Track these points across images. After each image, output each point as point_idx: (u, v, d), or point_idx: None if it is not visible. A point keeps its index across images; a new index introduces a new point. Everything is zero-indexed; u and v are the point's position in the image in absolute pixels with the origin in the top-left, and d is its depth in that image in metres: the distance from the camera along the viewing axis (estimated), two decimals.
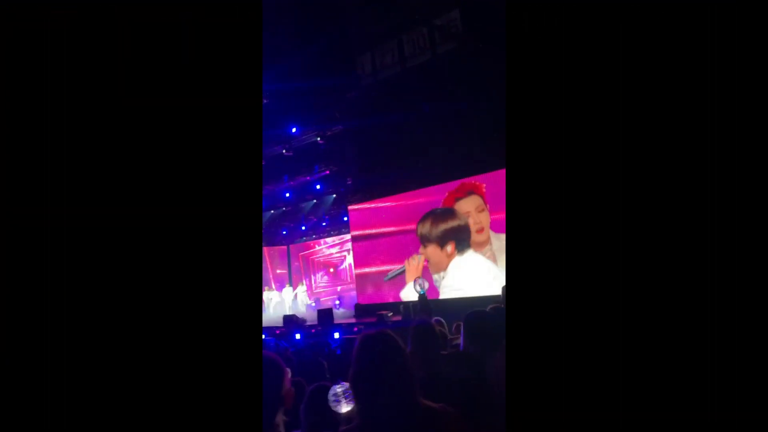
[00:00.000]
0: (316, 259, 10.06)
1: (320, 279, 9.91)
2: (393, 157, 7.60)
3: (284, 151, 8.74)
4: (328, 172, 9.14)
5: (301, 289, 9.91)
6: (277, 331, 6.12)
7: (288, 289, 9.92)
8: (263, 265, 9.99)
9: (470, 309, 1.90)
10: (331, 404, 1.69)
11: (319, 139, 8.61)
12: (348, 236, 9.01)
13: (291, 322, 6.62)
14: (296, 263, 10.32)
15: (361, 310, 7.59)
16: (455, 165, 6.96)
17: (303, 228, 10.09)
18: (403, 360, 1.10)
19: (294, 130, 8.67)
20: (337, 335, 5.11)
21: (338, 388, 1.72)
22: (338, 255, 9.72)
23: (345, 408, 1.64)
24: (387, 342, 1.12)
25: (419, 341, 1.89)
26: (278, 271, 10.03)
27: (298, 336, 5.28)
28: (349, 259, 9.10)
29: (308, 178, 9.29)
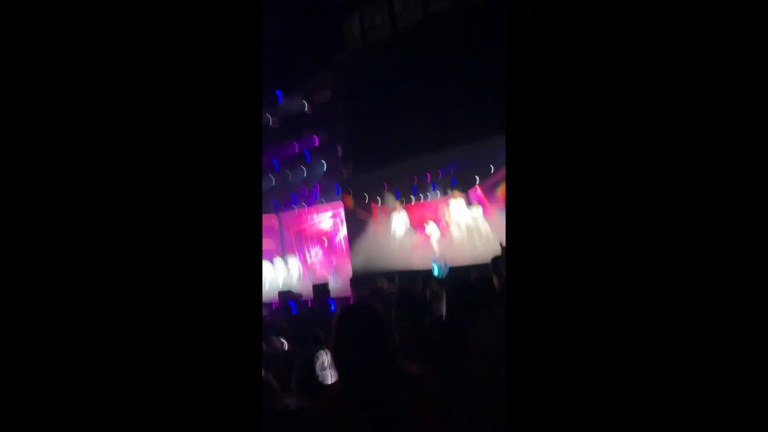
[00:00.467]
0: (309, 232, 10.11)
1: (314, 253, 10.00)
2: (385, 124, 7.53)
3: (270, 119, 8.60)
4: (317, 140, 9.05)
5: (294, 262, 10.01)
6: (274, 306, 6.26)
7: (279, 262, 10.03)
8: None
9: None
10: (319, 374, 1.80)
11: (306, 106, 8.46)
12: (340, 204, 9.05)
13: (286, 296, 6.76)
14: (287, 237, 10.36)
15: (356, 281, 7.75)
16: (451, 129, 6.92)
17: (293, 199, 10.09)
18: (383, 326, 1.17)
19: (279, 97, 8.50)
20: (333, 308, 5.25)
21: (325, 358, 1.81)
22: (331, 226, 9.77)
23: (331, 377, 1.75)
24: (366, 311, 1.20)
25: (404, 310, 1.99)
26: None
27: (293, 310, 5.43)
28: (343, 229, 9.17)
29: (296, 147, 9.20)
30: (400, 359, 1.21)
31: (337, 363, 1.18)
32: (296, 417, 1.26)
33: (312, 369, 1.88)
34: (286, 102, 8.55)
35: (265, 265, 9.88)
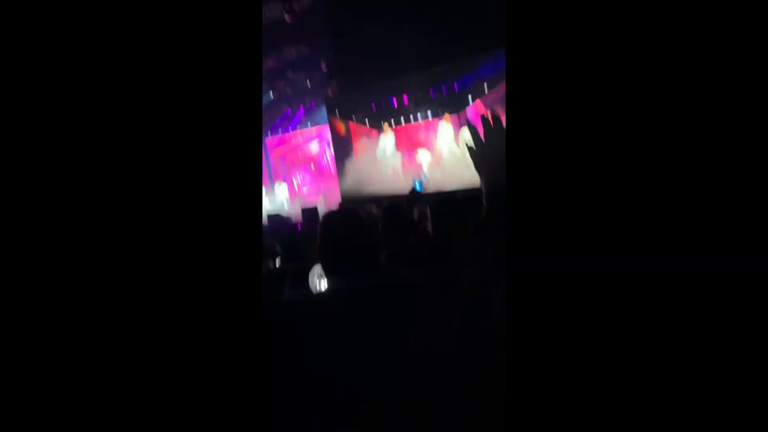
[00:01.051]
0: (294, 157, 10.02)
1: (302, 179, 10.00)
2: (373, 36, 7.14)
3: None
4: (299, 54, 8.62)
5: (281, 187, 10.04)
6: (264, 229, 6.40)
7: (267, 189, 10.05)
8: None
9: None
10: (311, 284, 1.95)
11: (286, 15, 7.93)
12: (326, 125, 8.88)
13: (276, 219, 6.89)
14: (273, 162, 10.27)
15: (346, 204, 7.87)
16: (444, 44, 6.61)
17: (277, 121, 9.84)
18: (366, 231, 1.23)
19: None
20: None
21: (317, 269, 1.96)
22: (317, 149, 9.67)
23: (323, 286, 1.89)
24: (349, 215, 1.27)
25: (389, 221, 2.06)
26: None
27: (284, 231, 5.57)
28: (330, 152, 9.10)
29: (277, 62, 8.76)
30: (381, 259, 1.29)
31: (324, 265, 1.25)
32: (290, 309, 1.32)
33: (305, 279, 2.01)
34: (264, 13, 7.98)
35: None
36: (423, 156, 7.70)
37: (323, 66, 8.50)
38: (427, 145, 7.69)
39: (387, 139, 8.00)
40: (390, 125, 7.92)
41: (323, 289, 1.83)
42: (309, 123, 9.61)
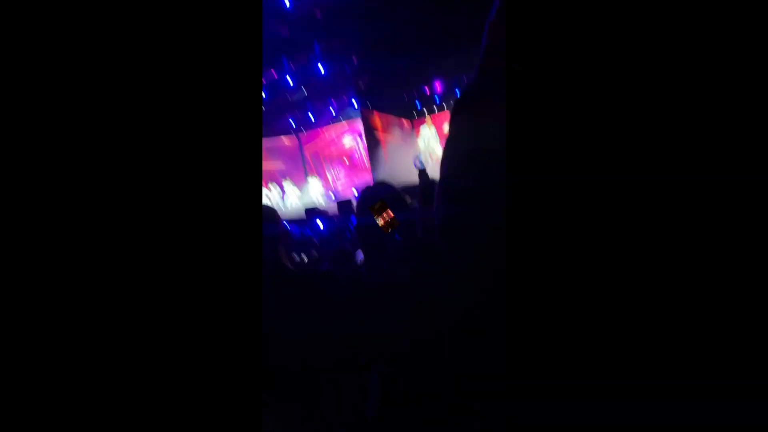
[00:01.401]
0: (328, 152, 10.19)
1: (337, 173, 10.16)
2: (402, 26, 7.13)
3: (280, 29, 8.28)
4: (329, 49, 8.73)
5: (314, 182, 10.24)
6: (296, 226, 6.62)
7: (303, 184, 10.28)
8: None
9: None
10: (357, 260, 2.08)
11: (317, 11, 8.04)
12: (359, 119, 8.97)
13: (313, 213, 7.10)
14: (307, 158, 10.48)
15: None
16: (477, 26, 6.49)
17: (310, 117, 10.04)
18: (403, 203, 1.28)
19: (288, 3, 8.09)
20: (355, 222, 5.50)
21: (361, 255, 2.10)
22: (350, 142, 9.79)
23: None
24: (385, 186, 1.33)
25: (425, 194, 2.15)
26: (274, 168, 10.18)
27: (320, 224, 5.75)
28: (363, 143, 9.19)
29: (308, 58, 8.91)
30: (420, 231, 1.32)
31: (361, 237, 1.31)
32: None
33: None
34: (295, 10, 8.13)
35: (289, 187, 10.18)
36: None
37: (354, 59, 8.58)
38: None
39: (429, 130, 8.01)
40: (426, 113, 7.92)
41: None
42: (341, 117, 9.74)
